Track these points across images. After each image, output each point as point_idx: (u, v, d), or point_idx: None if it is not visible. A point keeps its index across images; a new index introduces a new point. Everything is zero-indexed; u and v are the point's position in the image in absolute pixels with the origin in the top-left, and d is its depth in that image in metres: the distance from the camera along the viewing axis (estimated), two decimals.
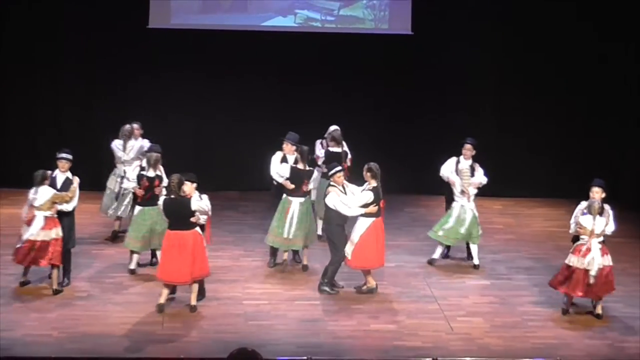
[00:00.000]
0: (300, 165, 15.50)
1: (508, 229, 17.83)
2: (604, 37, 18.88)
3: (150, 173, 15.19)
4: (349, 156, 16.67)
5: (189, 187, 13.89)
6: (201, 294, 14.33)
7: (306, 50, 19.11)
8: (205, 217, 14.16)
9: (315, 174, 16.02)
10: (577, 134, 19.33)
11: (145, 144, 16.38)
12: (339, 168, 14.68)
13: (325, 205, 14.69)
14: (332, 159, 16.36)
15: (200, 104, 19.23)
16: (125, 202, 16.50)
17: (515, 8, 18.98)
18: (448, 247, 16.09)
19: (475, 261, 15.88)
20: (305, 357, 11.87)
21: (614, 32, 18.84)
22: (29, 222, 14.25)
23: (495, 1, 19.02)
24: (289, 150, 15.76)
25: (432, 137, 19.14)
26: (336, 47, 19.12)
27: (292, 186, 15.45)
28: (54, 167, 14.65)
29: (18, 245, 14.33)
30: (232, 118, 19.12)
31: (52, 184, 14.40)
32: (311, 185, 15.67)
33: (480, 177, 15.74)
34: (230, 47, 19.03)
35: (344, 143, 16.65)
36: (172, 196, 13.92)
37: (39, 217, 14.22)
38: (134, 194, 15.45)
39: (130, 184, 15.39)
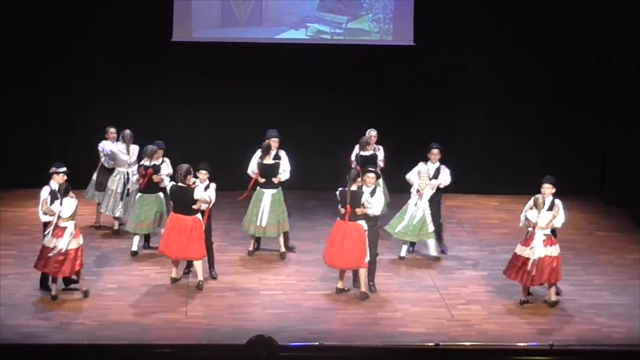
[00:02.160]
0: (265, 160, 15.64)
1: (503, 224, 17.78)
2: (591, 36, 18.80)
3: (146, 162, 15.54)
4: (380, 157, 16.61)
5: (203, 175, 14.59)
6: (211, 274, 14.73)
7: (317, 61, 19.07)
8: (205, 205, 14.44)
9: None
10: (566, 133, 19.25)
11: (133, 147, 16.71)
12: (371, 169, 14.53)
13: None
14: (364, 163, 16.30)
15: (219, 110, 19.19)
16: (132, 201, 16.52)
17: (511, 17, 18.91)
18: (413, 243, 15.95)
19: (433, 253, 15.75)
20: (317, 343, 11.85)
21: (599, 35, 18.76)
22: (57, 234, 13.87)
23: (487, 15, 18.95)
24: (275, 146, 15.83)
25: (432, 139, 19.05)
26: (344, 57, 19.08)
27: (263, 180, 15.66)
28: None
29: (50, 255, 13.85)
30: (249, 123, 19.07)
31: (54, 195, 14.12)
32: (283, 177, 15.72)
33: (442, 178, 15.68)
34: (246, 58, 19.00)
35: (377, 147, 16.61)
36: (180, 184, 14.31)
37: (70, 226, 13.95)
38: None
39: (134, 178, 15.84)
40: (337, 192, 14.32)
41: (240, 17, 19.00)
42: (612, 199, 18.60)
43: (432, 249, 15.81)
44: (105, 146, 16.72)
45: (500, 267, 15.53)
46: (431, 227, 15.65)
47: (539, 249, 13.92)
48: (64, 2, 18.53)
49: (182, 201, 14.34)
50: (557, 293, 14.29)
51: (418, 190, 15.61)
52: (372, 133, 16.77)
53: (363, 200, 14.14)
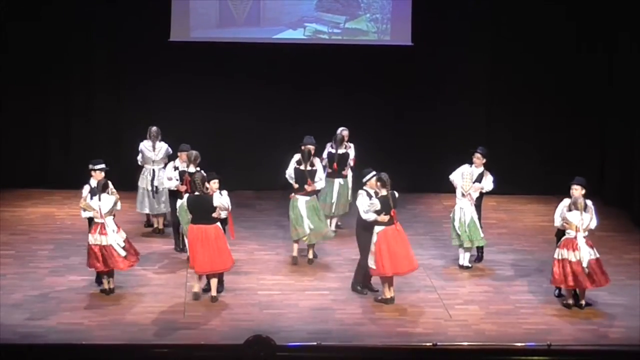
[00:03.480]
0: (301, 166, 15.51)
1: (501, 224, 17.80)
2: (590, 37, 18.82)
3: (191, 169, 15.19)
4: (351, 157, 16.70)
5: (215, 184, 14.03)
6: (221, 285, 14.32)
7: (315, 61, 19.09)
8: (225, 212, 14.18)
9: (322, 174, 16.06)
10: (565, 133, 19.28)
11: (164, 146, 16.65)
12: (373, 173, 14.23)
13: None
14: (334, 160, 16.43)
15: (217, 110, 19.20)
16: (163, 199, 16.55)
17: (509, 16, 18.94)
18: (480, 248, 15.75)
19: (465, 262, 15.58)
20: (315, 343, 11.86)
21: (599, 32, 18.79)
22: (96, 230, 13.97)
23: (484, 14, 18.98)
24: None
25: (430, 139, 19.13)
26: (342, 57, 19.10)
27: (297, 185, 15.49)
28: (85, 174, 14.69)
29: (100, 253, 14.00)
30: (247, 123, 19.11)
31: (93, 191, 14.21)
32: (318, 186, 15.62)
33: (484, 183, 15.58)
34: (244, 58, 19.01)
35: (347, 144, 16.69)
36: (197, 193, 13.98)
37: (110, 222, 14.01)
38: (175, 190, 15.47)
39: (173, 183, 15.40)
40: (375, 201, 13.98)
41: (238, 17, 19.02)
42: (611, 199, 18.60)
43: (466, 257, 15.58)
44: (141, 145, 16.79)
45: (498, 267, 15.59)
46: (481, 232, 15.49)
47: (586, 252, 13.80)
48: (63, 2, 18.55)
49: (201, 210, 13.97)
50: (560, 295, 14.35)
51: (462, 194, 15.48)
52: (344, 132, 16.81)
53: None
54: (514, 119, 19.30)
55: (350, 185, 16.86)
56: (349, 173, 16.81)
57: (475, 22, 18.93)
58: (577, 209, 13.94)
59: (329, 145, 16.82)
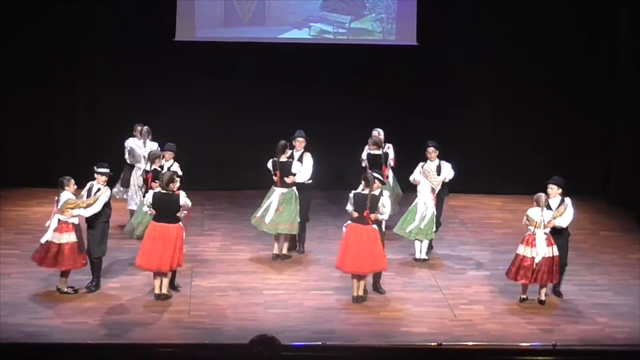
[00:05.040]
0: (281, 158, 15.56)
1: (506, 224, 17.77)
2: (595, 36, 18.80)
3: (148, 167, 15.36)
4: (391, 156, 16.64)
5: (175, 184, 13.91)
6: (171, 285, 14.30)
7: (320, 60, 19.08)
8: (185, 212, 14.17)
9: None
10: (570, 133, 19.26)
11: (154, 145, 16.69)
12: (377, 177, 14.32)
13: None
14: (374, 161, 16.34)
15: (222, 109, 19.21)
16: None
17: (514, 16, 18.92)
18: (430, 243, 15.89)
19: (423, 256, 15.66)
20: (319, 342, 11.84)
21: (603, 31, 18.76)
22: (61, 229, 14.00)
23: (489, 14, 18.95)
24: (300, 146, 15.81)
25: (435, 139, 19.01)
26: (347, 57, 19.10)
27: (274, 177, 15.57)
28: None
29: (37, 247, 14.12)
30: (252, 122, 19.10)
31: (88, 194, 14.19)
32: (298, 178, 15.58)
33: (445, 173, 15.68)
34: (249, 58, 19.01)
35: (386, 145, 16.64)
36: (163, 191, 13.92)
37: (54, 219, 13.98)
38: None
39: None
40: (352, 195, 14.09)
41: (243, 16, 19.01)
42: (616, 199, 18.58)
43: (424, 249, 15.73)
44: (130, 143, 16.76)
45: (503, 267, 15.52)
46: (435, 228, 15.66)
47: (541, 249, 13.91)
48: (68, 2, 18.56)
49: (166, 208, 13.86)
50: (559, 295, 14.31)
51: (433, 189, 15.51)
52: (381, 132, 16.78)
53: (379, 204, 14.06)
54: (519, 119, 19.27)
55: (392, 185, 16.69)
56: (389, 174, 16.65)
57: (480, 22, 18.90)
58: (538, 205, 14.05)
59: (366, 147, 16.69)
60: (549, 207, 14.12)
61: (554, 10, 18.82)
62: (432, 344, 12.19)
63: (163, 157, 15.62)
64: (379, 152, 16.50)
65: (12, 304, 13.80)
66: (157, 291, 14.08)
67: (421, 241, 15.65)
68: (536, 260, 13.87)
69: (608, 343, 13.07)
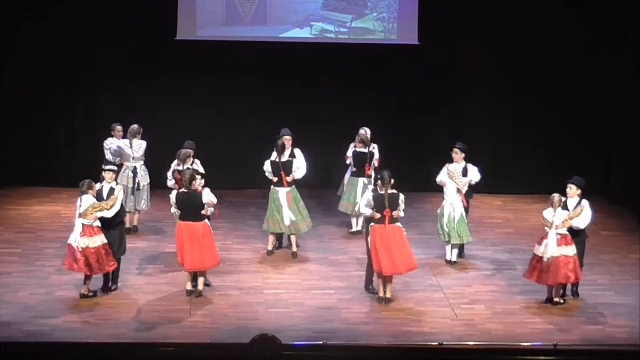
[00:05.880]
0: (281, 159, 15.58)
1: (508, 224, 17.78)
2: (598, 36, 18.78)
3: (180, 167, 15.15)
4: (376, 157, 16.68)
5: (198, 182, 14.04)
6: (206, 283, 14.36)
7: (321, 60, 19.09)
8: (212, 209, 14.24)
9: (348, 174, 16.59)
10: (571, 133, 19.27)
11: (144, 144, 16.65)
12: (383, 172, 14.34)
13: None
14: (359, 160, 16.43)
15: (223, 108, 19.23)
16: (145, 197, 16.57)
17: (516, 16, 18.91)
18: (462, 247, 15.81)
19: (453, 258, 15.63)
20: (321, 342, 11.84)
21: (607, 31, 18.75)
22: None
23: (491, 14, 18.95)
24: (289, 144, 15.88)
25: (437, 138, 19.10)
26: (349, 56, 19.10)
27: (276, 179, 15.56)
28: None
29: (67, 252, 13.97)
30: (253, 122, 19.11)
31: (99, 195, 14.17)
32: (297, 175, 15.65)
33: (472, 176, 15.66)
34: (251, 57, 19.02)
35: (373, 145, 16.69)
36: (184, 190, 13.97)
37: (78, 224, 13.86)
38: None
39: (171, 183, 15.32)
40: (370, 197, 14.06)
41: (244, 16, 19.01)
42: (617, 199, 18.57)
43: (455, 252, 15.67)
44: (112, 144, 16.72)
45: (504, 267, 15.58)
46: (469, 229, 15.59)
47: (551, 248, 13.88)
48: (70, 1, 18.56)
49: (190, 207, 14.03)
50: (575, 295, 14.32)
51: (459, 191, 15.48)
52: (368, 131, 16.83)
53: (400, 202, 14.08)
54: (520, 118, 19.27)
55: (374, 185, 16.77)
56: (372, 173, 16.74)
57: (482, 21, 18.90)
58: (551, 206, 14.00)
59: (352, 145, 16.76)
60: (565, 208, 14.05)
61: (555, 10, 18.82)
62: (434, 343, 12.18)
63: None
64: (365, 150, 16.56)
65: (14, 303, 13.80)
66: (188, 288, 14.16)
67: (453, 244, 15.54)
68: (544, 259, 13.86)
69: (609, 343, 13.06)
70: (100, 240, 13.88)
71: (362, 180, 16.63)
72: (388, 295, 14.13)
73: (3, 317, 13.36)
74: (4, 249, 15.73)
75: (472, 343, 12.83)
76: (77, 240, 13.79)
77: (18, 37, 18.57)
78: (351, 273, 15.11)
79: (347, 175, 16.89)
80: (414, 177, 18.19)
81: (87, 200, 13.92)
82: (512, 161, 19.26)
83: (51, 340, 12.62)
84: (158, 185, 17.14)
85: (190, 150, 15.43)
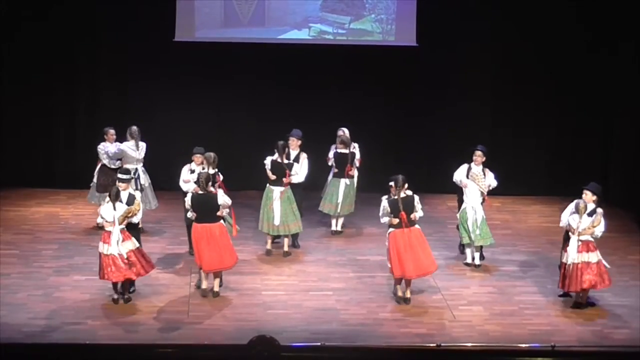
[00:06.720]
0: (280, 159, 15.62)
1: (505, 225, 17.79)
2: (596, 38, 18.80)
3: (210, 170, 15.10)
4: (357, 157, 16.74)
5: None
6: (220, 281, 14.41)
7: (319, 61, 19.10)
8: (227, 210, 14.26)
9: (330, 175, 16.65)
10: (570, 134, 19.28)
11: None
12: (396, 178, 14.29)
13: None
14: (340, 160, 16.54)
15: (221, 110, 19.24)
16: (150, 196, 16.60)
17: (514, 17, 18.93)
18: (481, 247, 15.73)
19: (476, 261, 15.62)
20: (318, 343, 11.85)
21: (605, 33, 18.76)
22: (105, 239, 13.77)
23: (489, 15, 18.96)
24: (295, 146, 15.91)
25: (435, 140, 19.14)
26: (347, 58, 19.11)
27: (274, 177, 15.62)
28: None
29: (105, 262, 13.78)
30: (251, 123, 19.12)
31: (116, 198, 13.97)
32: (294, 179, 15.69)
33: (490, 180, 15.63)
34: (249, 58, 19.03)
35: (353, 145, 16.75)
36: (200, 192, 14.03)
37: (115, 232, 13.74)
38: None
39: (190, 185, 15.20)
40: (386, 203, 14.05)
41: (242, 17, 19.02)
42: (615, 201, 18.57)
43: (477, 254, 15.63)
44: (108, 147, 16.70)
45: (502, 268, 15.58)
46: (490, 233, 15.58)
47: (572, 254, 13.86)
48: (69, 2, 18.57)
49: (205, 208, 14.07)
50: (591, 303, 14.28)
51: (482, 193, 15.43)
52: (346, 131, 16.91)
53: (415, 203, 14.12)
54: (519, 120, 19.29)
55: (356, 185, 16.91)
56: (355, 173, 16.86)
57: (480, 22, 18.91)
58: (577, 212, 13.94)
59: (333, 146, 16.86)
60: (590, 214, 13.93)
61: (555, 10, 18.83)
62: (431, 344, 12.20)
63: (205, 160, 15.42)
64: (346, 151, 16.64)
65: (12, 304, 13.80)
66: (203, 286, 14.24)
67: (475, 246, 15.52)
68: (567, 264, 13.88)
69: (607, 344, 13.08)
70: (134, 243, 13.94)
71: (343, 181, 16.73)
72: (407, 295, 14.19)
73: (2, 318, 13.36)
74: (2, 250, 15.73)
75: (469, 344, 12.84)
76: (118, 246, 13.71)
77: (18, 37, 18.58)
78: (349, 274, 15.12)
79: (330, 177, 16.96)
80: (412, 179, 18.11)
81: (122, 206, 13.87)
82: (510, 162, 19.24)
83: (49, 341, 12.62)
84: (157, 186, 17.18)
85: (212, 153, 15.41)
